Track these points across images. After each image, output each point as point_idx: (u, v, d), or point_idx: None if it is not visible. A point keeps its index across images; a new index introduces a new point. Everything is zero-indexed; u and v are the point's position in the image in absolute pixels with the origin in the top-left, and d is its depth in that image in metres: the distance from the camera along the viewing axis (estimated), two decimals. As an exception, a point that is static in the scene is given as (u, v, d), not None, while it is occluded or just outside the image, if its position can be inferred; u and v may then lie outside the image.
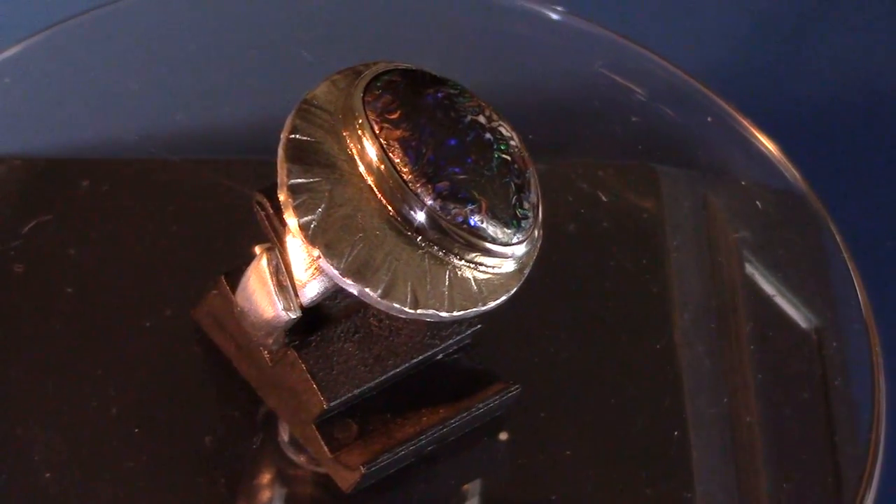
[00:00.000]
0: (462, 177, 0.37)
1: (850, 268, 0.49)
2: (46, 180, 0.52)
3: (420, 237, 0.37)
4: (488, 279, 0.39)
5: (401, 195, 0.37)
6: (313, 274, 0.39)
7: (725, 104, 0.54)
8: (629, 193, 0.53)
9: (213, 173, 0.50)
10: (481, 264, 0.38)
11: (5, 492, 0.44)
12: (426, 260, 0.38)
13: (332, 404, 0.42)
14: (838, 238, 0.50)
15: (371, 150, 0.37)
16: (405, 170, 0.37)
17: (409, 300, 0.38)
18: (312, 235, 0.37)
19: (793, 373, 0.49)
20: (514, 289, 0.39)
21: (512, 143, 0.38)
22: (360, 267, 0.37)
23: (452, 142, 0.37)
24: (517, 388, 0.44)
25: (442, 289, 0.38)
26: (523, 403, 0.46)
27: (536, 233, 0.39)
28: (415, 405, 0.44)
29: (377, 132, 0.37)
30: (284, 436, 0.46)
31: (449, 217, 0.37)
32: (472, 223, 0.37)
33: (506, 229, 0.38)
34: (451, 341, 0.43)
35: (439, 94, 0.38)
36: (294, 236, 0.37)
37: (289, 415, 0.44)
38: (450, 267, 0.38)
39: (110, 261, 0.49)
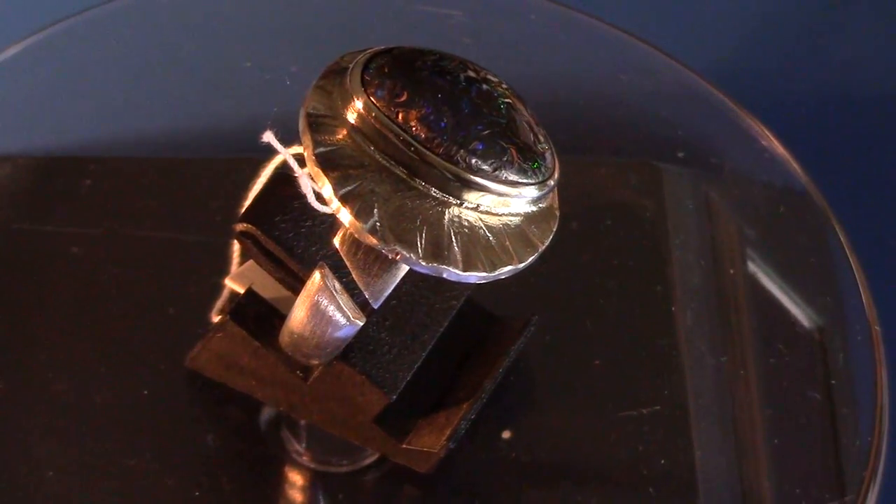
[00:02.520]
0: (487, 132, 0.38)
1: (853, 266, 0.49)
2: (47, 180, 0.52)
3: (466, 202, 0.38)
4: (531, 220, 0.39)
5: (440, 171, 0.37)
6: (376, 274, 0.39)
7: (729, 101, 0.54)
8: (632, 191, 0.53)
9: (213, 173, 0.50)
10: (518, 213, 0.39)
11: (7, 491, 0.44)
12: (479, 222, 0.38)
13: (395, 396, 0.42)
14: (842, 236, 0.50)
15: (396, 139, 0.37)
16: (436, 143, 0.37)
17: (485, 266, 0.38)
18: (383, 235, 0.37)
19: (796, 371, 0.49)
20: (555, 225, 0.40)
21: (503, 86, 0.39)
22: (435, 249, 0.37)
23: (464, 102, 0.38)
24: (535, 318, 0.45)
25: (503, 244, 0.38)
26: (525, 402, 0.46)
27: (556, 161, 0.39)
28: (450, 369, 0.44)
29: (397, 120, 0.37)
30: (286, 435, 0.46)
31: (488, 173, 0.37)
32: (510, 174, 0.38)
33: (534, 165, 0.38)
34: (465, 295, 0.44)
35: (428, 63, 0.38)
36: (367, 240, 0.37)
37: (339, 423, 0.44)
38: (498, 222, 0.38)
39: (111, 260, 0.49)
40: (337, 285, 0.39)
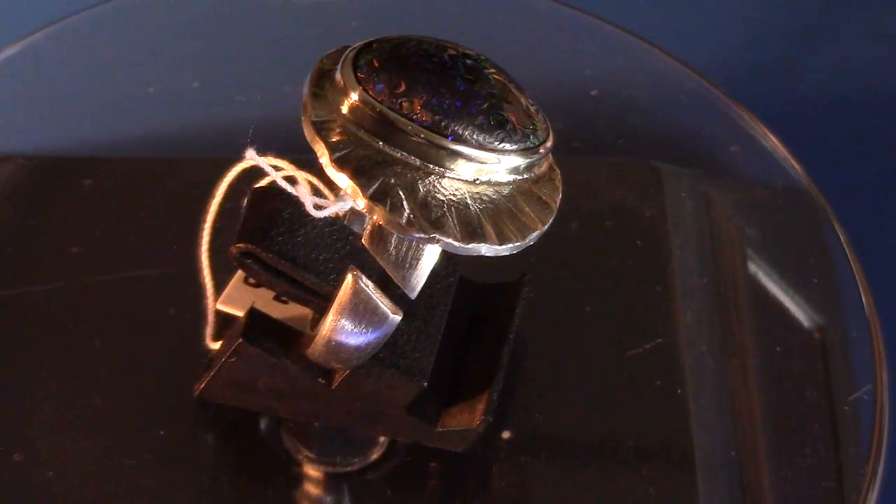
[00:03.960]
0: (486, 105, 0.38)
1: (853, 265, 0.49)
2: (48, 179, 0.52)
3: (480, 178, 0.38)
4: (538, 181, 0.39)
5: (453, 152, 0.37)
6: (410, 266, 0.39)
7: (730, 101, 0.54)
8: (632, 191, 0.53)
9: (213, 173, 0.50)
10: (527, 177, 0.39)
11: (7, 491, 0.44)
12: (496, 194, 0.38)
13: (426, 382, 0.42)
14: (842, 236, 0.50)
15: (405, 129, 0.37)
16: (443, 126, 0.37)
17: (515, 236, 0.38)
18: (420, 226, 0.37)
19: (796, 371, 0.49)
20: (560, 182, 0.40)
21: (482, 57, 0.39)
22: (468, 229, 0.37)
23: (458, 81, 0.38)
24: (528, 277, 0.45)
25: (524, 210, 0.39)
26: (526, 403, 0.46)
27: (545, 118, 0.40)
28: (457, 343, 0.44)
29: (402, 111, 0.37)
30: (287, 434, 0.46)
31: (496, 146, 0.38)
32: (515, 142, 0.38)
33: (533, 128, 0.39)
34: (458, 271, 0.44)
35: (411, 50, 0.38)
36: (406, 233, 0.37)
37: (366, 421, 0.44)
38: (513, 190, 0.39)
39: (112, 260, 0.49)
40: (370, 284, 0.39)
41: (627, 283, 0.50)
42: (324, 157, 0.37)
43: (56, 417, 0.45)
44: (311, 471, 0.45)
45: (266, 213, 0.41)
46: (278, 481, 0.45)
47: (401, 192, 0.37)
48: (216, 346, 0.44)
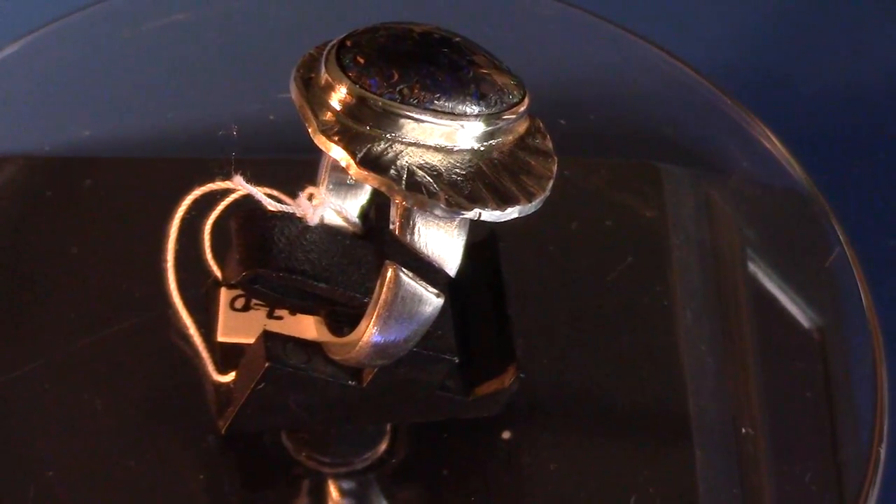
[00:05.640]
0: (471, 73, 0.38)
1: (853, 267, 0.49)
2: (48, 179, 0.52)
3: (485, 146, 0.38)
4: (526, 138, 0.40)
5: (458, 127, 0.38)
6: (444, 246, 0.39)
7: (730, 101, 0.54)
8: (632, 191, 0.53)
9: (214, 174, 0.50)
10: (518, 134, 0.39)
11: (7, 491, 0.44)
12: (504, 157, 0.39)
13: (457, 357, 0.42)
14: (842, 237, 0.50)
15: (410, 116, 0.37)
16: (443, 103, 0.38)
17: (537, 189, 0.38)
18: (459, 204, 0.37)
19: (795, 371, 0.49)
20: (546, 132, 0.40)
21: (441, 27, 0.40)
22: (499, 196, 0.38)
23: (439, 56, 0.38)
24: (495, 232, 0.45)
25: (532, 164, 0.39)
26: (526, 402, 0.46)
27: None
28: (458, 311, 0.44)
29: (408, 99, 0.37)
30: (287, 434, 0.46)
31: (495, 111, 0.38)
32: (504, 103, 0.39)
33: (513, 84, 0.39)
34: None
35: (386, 35, 0.39)
36: (456, 213, 0.37)
37: (398, 411, 0.44)
38: (516, 148, 0.39)
39: (112, 260, 0.49)
40: (409, 273, 0.39)
41: (627, 283, 0.50)
42: (348, 162, 0.37)
43: (55, 418, 0.45)
44: (312, 471, 0.45)
45: (258, 235, 0.41)
46: (278, 481, 0.45)
47: (429, 177, 0.37)
48: (226, 378, 0.43)
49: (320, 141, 0.38)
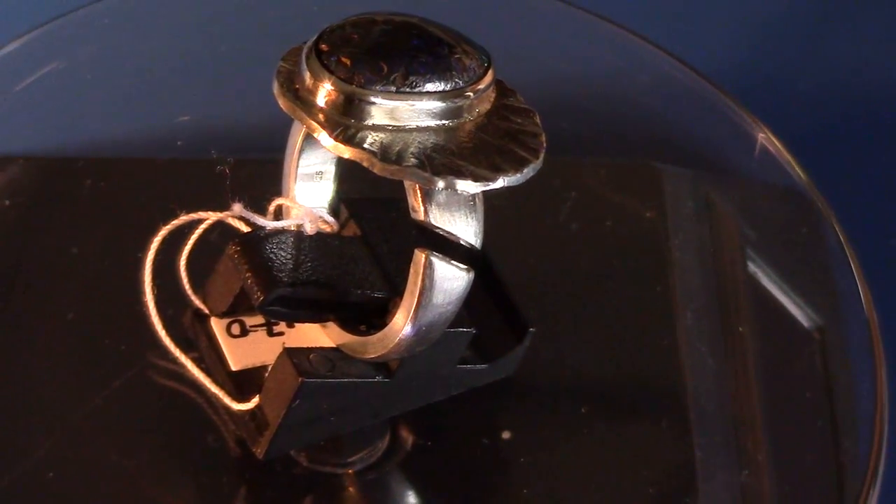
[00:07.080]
0: (446, 51, 0.39)
1: (853, 267, 0.49)
2: (48, 179, 0.52)
3: (475, 119, 0.39)
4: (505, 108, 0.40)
5: (450, 103, 0.38)
6: (468, 221, 0.39)
7: (730, 101, 0.54)
8: (632, 192, 0.53)
9: (214, 174, 0.50)
10: (496, 106, 0.40)
11: (7, 492, 0.44)
12: (497, 129, 0.39)
13: (473, 328, 0.42)
14: (842, 237, 0.50)
15: (405, 103, 0.38)
16: (433, 82, 0.38)
17: (530, 156, 0.39)
18: (484, 176, 0.37)
19: (796, 372, 0.49)
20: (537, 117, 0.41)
21: (398, 13, 0.40)
22: (514, 159, 0.38)
23: (413, 40, 0.39)
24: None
25: (517, 139, 0.39)
26: (525, 403, 0.46)
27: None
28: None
29: (403, 88, 0.38)
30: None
31: (478, 84, 0.39)
32: (484, 78, 0.39)
33: (484, 61, 0.39)
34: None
35: (358, 32, 0.39)
36: (480, 188, 0.38)
37: (425, 392, 0.44)
38: (496, 118, 0.39)
39: (112, 260, 0.49)
40: (439, 254, 0.39)
41: (627, 284, 0.50)
42: (367, 161, 0.37)
43: (55, 418, 0.45)
44: (312, 471, 0.45)
45: (263, 257, 0.41)
46: (278, 481, 0.45)
47: (444, 158, 0.37)
48: (247, 406, 0.43)
49: (337, 148, 0.38)
